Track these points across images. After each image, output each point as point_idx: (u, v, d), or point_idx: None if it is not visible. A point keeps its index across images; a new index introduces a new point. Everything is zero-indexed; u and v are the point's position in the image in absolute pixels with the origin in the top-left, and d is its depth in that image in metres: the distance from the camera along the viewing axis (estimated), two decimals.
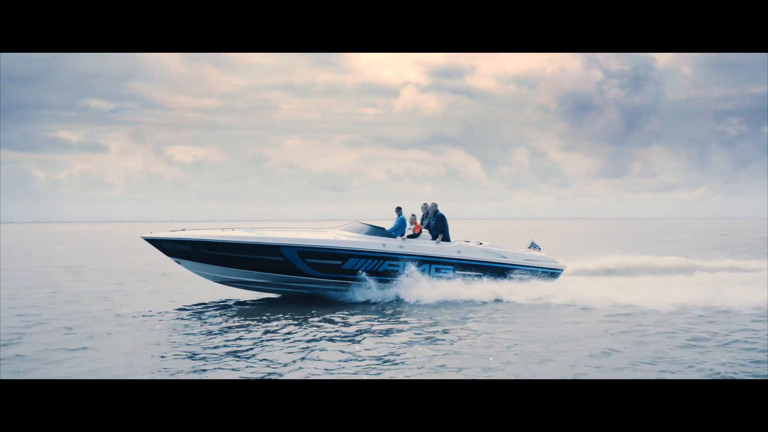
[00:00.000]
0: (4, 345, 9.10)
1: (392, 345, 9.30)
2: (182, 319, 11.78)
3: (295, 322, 11.09)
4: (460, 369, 7.80)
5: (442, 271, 14.19)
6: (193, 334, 10.23)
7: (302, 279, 13.82)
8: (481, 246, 14.91)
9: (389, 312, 12.32)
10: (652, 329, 10.23)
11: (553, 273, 15.27)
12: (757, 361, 8.04)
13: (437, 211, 14.77)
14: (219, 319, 11.58)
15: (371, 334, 10.11)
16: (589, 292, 13.49)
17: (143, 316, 11.99)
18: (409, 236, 14.23)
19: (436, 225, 14.62)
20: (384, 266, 13.85)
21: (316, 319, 11.50)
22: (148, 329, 10.65)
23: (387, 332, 10.33)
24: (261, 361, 8.29)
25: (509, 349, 8.97)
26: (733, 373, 7.46)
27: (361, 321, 11.34)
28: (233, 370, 7.84)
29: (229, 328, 10.67)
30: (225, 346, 9.23)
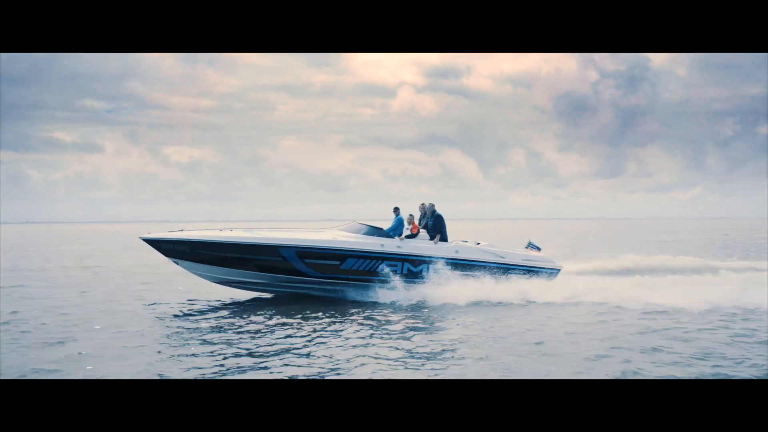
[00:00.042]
0: (60, 343, 9.38)
1: (411, 344, 9.34)
2: (182, 319, 11.80)
3: (295, 322, 11.12)
4: (510, 369, 7.87)
5: (439, 271, 14.21)
6: (193, 334, 10.24)
7: (300, 279, 13.85)
8: (478, 246, 14.95)
9: (401, 312, 12.35)
10: (691, 326, 10.44)
11: (550, 273, 15.32)
12: None
13: (435, 211, 14.81)
14: (218, 319, 11.59)
15: (373, 335, 10.14)
16: (619, 291, 13.70)
17: (180, 314, 12.01)
18: (407, 236, 14.27)
19: (434, 225, 14.65)
20: (382, 266, 13.88)
21: (316, 318, 11.53)
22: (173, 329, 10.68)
23: (401, 332, 10.36)
24: (261, 361, 8.31)
25: (566, 347, 9.06)
26: None
27: (363, 321, 11.37)
28: (232, 370, 7.87)
29: (229, 328, 10.69)
30: (224, 346, 9.25)
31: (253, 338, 9.77)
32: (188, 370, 7.85)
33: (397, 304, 13.22)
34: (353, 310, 12.44)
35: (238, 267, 13.59)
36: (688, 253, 27.73)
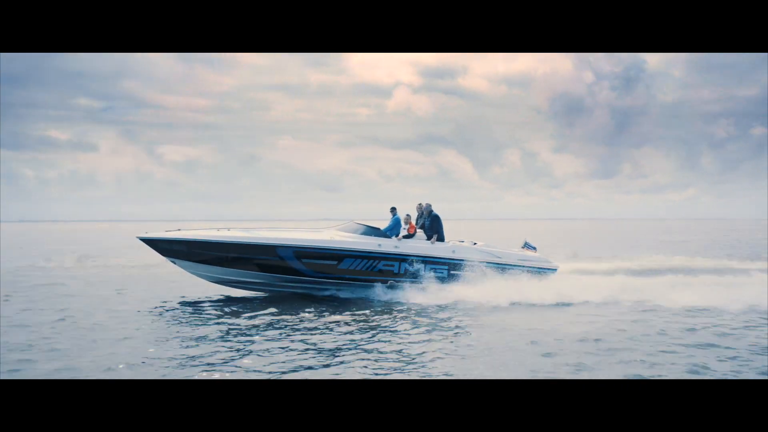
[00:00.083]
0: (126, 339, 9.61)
1: (409, 344, 9.38)
2: (180, 319, 11.81)
3: (293, 322, 11.14)
4: (579, 368, 7.90)
5: (437, 270, 14.28)
6: (192, 334, 10.25)
7: (298, 279, 13.89)
8: (475, 246, 15.02)
9: (399, 312, 12.39)
10: (736, 324, 10.65)
11: (547, 273, 15.41)
12: None
13: (432, 211, 14.87)
14: (217, 319, 11.60)
15: (371, 334, 10.18)
16: (652, 292, 13.89)
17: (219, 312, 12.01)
18: (404, 236, 14.33)
19: (431, 225, 14.71)
20: (379, 266, 13.94)
21: (313, 318, 11.55)
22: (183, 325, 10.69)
23: (400, 332, 10.40)
24: (261, 361, 8.33)
25: (633, 346, 9.13)
26: None
27: (360, 321, 11.40)
28: (231, 370, 7.89)
29: (227, 328, 10.70)
30: (223, 346, 9.27)
31: (251, 338, 9.79)
32: (188, 370, 7.86)
33: (395, 304, 13.26)
34: (351, 310, 12.47)
35: (236, 267, 13.62)
36: (700, 253, 27.91)
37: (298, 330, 10.43)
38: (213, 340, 9.69)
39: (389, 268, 13.97)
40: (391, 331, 10.40)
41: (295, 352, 8.77)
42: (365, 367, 7.99)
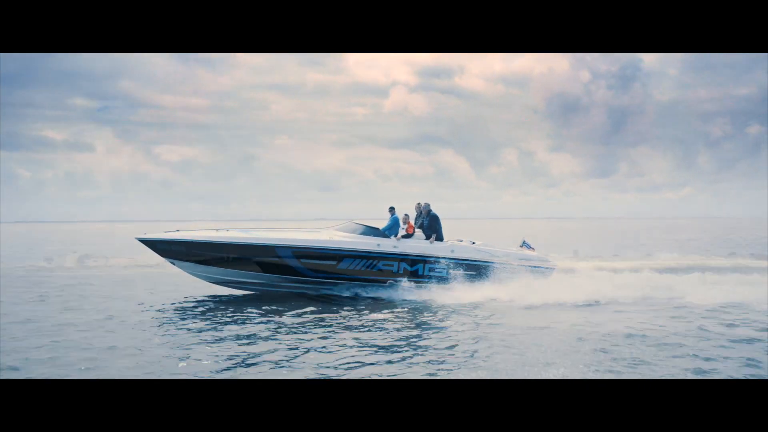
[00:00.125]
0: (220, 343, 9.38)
1: (409, 345, 9.40)
2: (179, 319, 11.82)
3: (291, 322, 11.16)
4: (619, 369, 7.89)
5: (436, 270, 14.31)
6: (191, 334, 10.27)
7: (297, 279, 13.91)
8: (473, 245, 15.04)
9: (398, 312, 12.41)
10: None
11: (545, 272, 15.44)
12: None
13: (430, 210, 14.90)
14: (216, 319, 11.61)
15: (370, 334, 10.20)
16: (680, 289, 14.05)
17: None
18: (403, 236, 14.35)
19: (430, 225, 14.74)
20: (378, 266, 13.97)
21: (312, 318, 11.57)
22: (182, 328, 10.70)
23: (399, 332, 10.42)
24: (260, 360, 8.35)
25: (680, 342, 9.27)
26: None
27: (359, 321, 11.42)
28: (230, 370, 7.91)
29: (226, 328, 10.71)
30: (222, 346, 9.28)
31: (250, 338, 9.80)
32: (187, 369, 7.88)
33: (394, 303, 13.28)
34: (349, 310, 12.49)
35: (235, 267, 13.64)
36: (712, 252, 27.96)
37: (296, 330, 10.45)
38: (211, 340, 9.71)
39: (388, 268, 14.00)
40: (388, 331, 10.41)
41: (293, 353, 8.79)
42: (362, 366, 8.01)
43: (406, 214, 14.60)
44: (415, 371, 7.80)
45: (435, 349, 9.06)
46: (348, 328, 10.69)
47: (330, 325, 10.89)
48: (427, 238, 14.54)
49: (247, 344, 9.35)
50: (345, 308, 12.69)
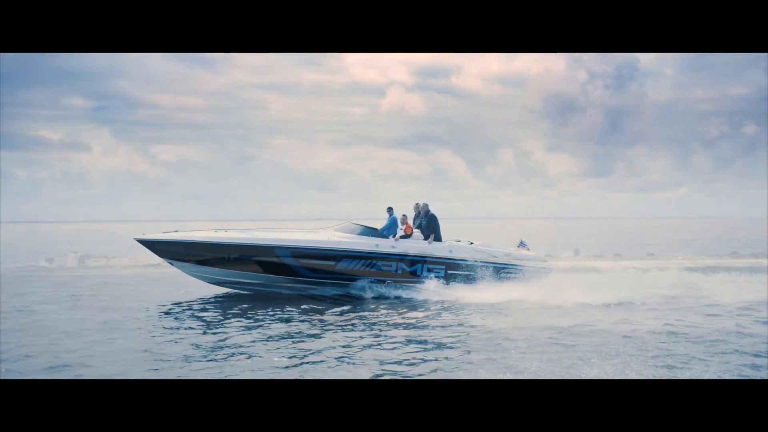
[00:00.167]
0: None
1: (412, 344, 9.43)
2: (179, 319, 11.85)
3: (290, 322, 11.19)
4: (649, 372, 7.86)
5: (434, 270, 14.35)
6: (191, 334, 10.30)
7: (296, 279, 13.94)
8: (472, 245, 15.08)
9: (397, 312, 12.43)
10: None
11: (543, 272, 15.50)
12: None
13: (429, 211, 14.93)
14: (215, 319, 11.64)
15: (369, 335, 10.24)
16: (708, 289, 14.14)
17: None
18: (401, 237, 14.39)
19: (428, 225, 14.77)
20: (377, 266, 14.00)
21: (311, 319, 11.60)
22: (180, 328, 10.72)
23: (398, 332, 10.44)
24: (260, 360, 8.38)
25: (723, 338, 9.38)
26: None
27: (358, 321, 11.45)
28: (229, 370, 7.93)
29: (226, 328, 10.75)
30: (221, 346, 9.31)
31: (250, 338, 9.83)
32: (188, 370, 7.91)
33: (393, 304, 13.31)
34: (349, 311, 12.52)
35: (234, 268, 13.67)
36: (720, 251, 28.04)
37: (295, 330, 10.48)
38: (211, 340, 9.73)
39: (387, 268, 14.04)
40: (387, 331, 10.44)
41: (293, 353, 8.82)
42: (361, 366, 8.04)
43: (404, 215, 14.64)
44: (412, 371, 7.82)
45: (432, 348, 9.09)
46: (343, 328, 10.72)
47: (326, 326, 10.92)
48: (426, 238, 14.58)
49: (244, 344, 9.38)
50: (341, 309, 12.72)
